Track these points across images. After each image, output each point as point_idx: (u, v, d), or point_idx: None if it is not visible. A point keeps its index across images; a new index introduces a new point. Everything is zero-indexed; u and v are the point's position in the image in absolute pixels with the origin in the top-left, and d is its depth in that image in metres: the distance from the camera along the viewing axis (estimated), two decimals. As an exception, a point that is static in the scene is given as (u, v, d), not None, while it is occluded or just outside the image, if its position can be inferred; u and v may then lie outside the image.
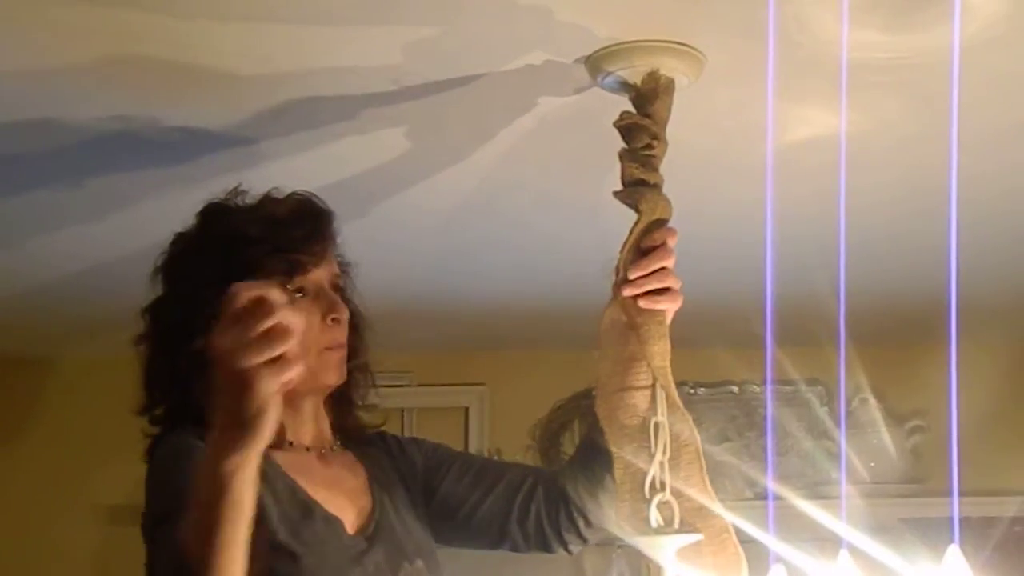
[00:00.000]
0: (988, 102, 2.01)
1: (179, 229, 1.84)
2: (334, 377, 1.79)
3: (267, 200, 1.82)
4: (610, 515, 1.83)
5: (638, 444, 1.69)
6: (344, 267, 1.89)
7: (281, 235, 1.76)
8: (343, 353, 1.80)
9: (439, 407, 4.01)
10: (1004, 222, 2.72)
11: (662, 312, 1.69)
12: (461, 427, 4.14)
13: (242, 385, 1.22)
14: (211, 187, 1.87)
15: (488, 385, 4.08)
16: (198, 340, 1.66)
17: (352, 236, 1.92)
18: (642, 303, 1.67)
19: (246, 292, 1.23)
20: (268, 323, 1.21)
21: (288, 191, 1.84)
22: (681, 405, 1.67)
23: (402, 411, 3.96)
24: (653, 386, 1.69)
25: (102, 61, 1.82)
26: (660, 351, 1.68)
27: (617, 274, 1.70)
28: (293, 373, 1.24)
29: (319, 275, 1.79)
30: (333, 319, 1.78)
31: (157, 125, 2.06)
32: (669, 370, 1.68)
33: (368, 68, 1.85)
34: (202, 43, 1.76)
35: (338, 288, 1.83)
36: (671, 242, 1.70)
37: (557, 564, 3.89)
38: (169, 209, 1.86)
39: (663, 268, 1.68)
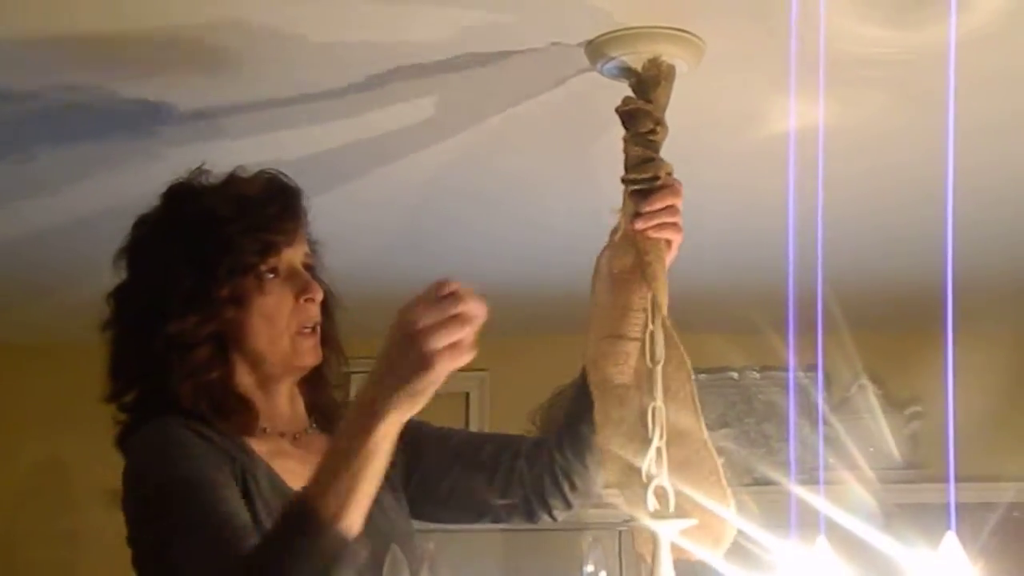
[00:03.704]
0: (983, 96, 2.03)
1: (125, 204, 1.77)
2: (310, 358, 1.76)
3: (235, 179, 1.77)
4: (596, 478, 1.83)
5: (621, 395, 1.71)
6: (313, 245, 1.84)
7: (253, 214, 1.71)
8: (318, 334, 1.77)
9: (439, 392, 3.99)
10: (1001, 211, 2.74)
11: (664, 252, 1.71)
12: (462, 412, 4.15)
13: (422, 360, 1.38)
14: (170, 162, 1.82)
15: (489, 370, 4.09)
16: (173, 323, 1.66)
17: (343, 217, 1.89)
18: (652, 233, 1.69)
19: (451, 284, 1.42)
20: (458, 309, 1.40)
21: (254, 169, 1.79)
22: (675, 337, 1.68)
23: (402, 396, 3.96)
24: (643, 339, 1.70)
25: (69, 28, 1.81)
26: (662, 288, 1.70)
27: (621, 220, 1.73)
28: (466, 359, 1.41)
29: (291, 254, 1.74)
30: (307, 299, 1.74)
31: (113, 96, 2.05)
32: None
33: (366, 42, 1.85)
34: (175, 10, 1.76)
35: (309, 267, 1.79)
36: (678, 186, 1.73)
37: (558, 545, 3.91)
38: (125, 183, 1.80)
39: (672, 206, 1.71)
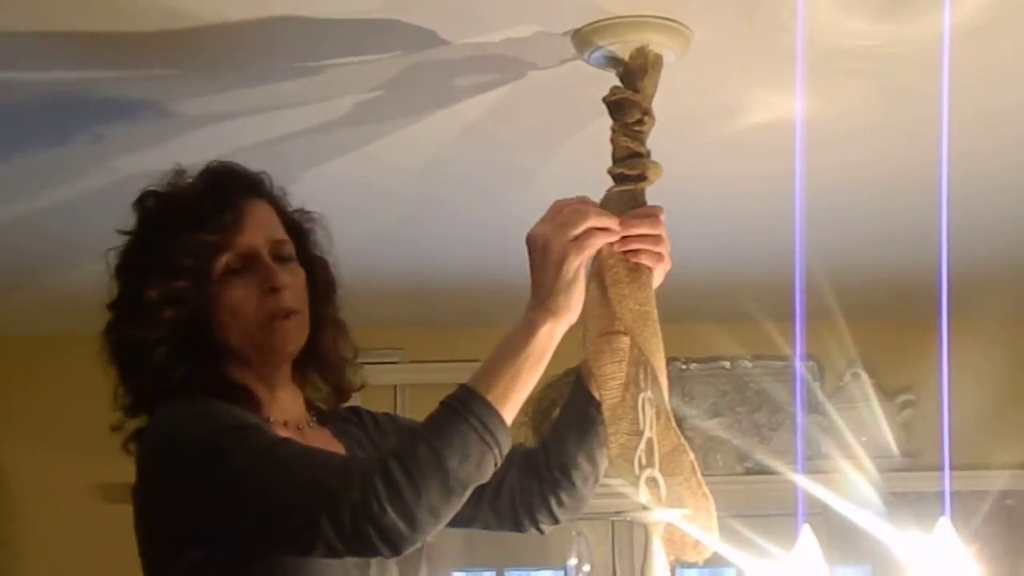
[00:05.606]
0: (972, 88, 2.01)
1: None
2: (291, 343, 1.72)
3: (179, 177, 1.75)
4: (585, 494, 1.84)
5: (621, 391, 1.71)
6: (298, 223, 1.81)
7: (189, 216, 1.68)
8: (297, 318, 1.71)
9: (432, 383, 3.99)
10: (993, 201, 2.74)
11: (641, 275, 1.70)
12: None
13: (553, 260, 1.59)
14: (163, 152, 1.80)
15: (480, 362, 4.07)
16: (139, 328, 1.67)
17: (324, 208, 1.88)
18: (632, 257, 1.68)
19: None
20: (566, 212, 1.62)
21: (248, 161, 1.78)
22: (655, 325, 1.69)
23: (394, 388, 3.96)
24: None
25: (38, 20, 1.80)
26: (632, 295, 1.69)
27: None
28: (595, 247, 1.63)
29: (248, 244, 1.70)
30: (270, 288, 1.70)
31: (103, 89, 2.04)
32: (651, 315, 1.69)
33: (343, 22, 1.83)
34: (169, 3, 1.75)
35: (281, 252, 1.74)
36: (662, 217, 1.71)
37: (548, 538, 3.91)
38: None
39: (653, 234, 1.69)
